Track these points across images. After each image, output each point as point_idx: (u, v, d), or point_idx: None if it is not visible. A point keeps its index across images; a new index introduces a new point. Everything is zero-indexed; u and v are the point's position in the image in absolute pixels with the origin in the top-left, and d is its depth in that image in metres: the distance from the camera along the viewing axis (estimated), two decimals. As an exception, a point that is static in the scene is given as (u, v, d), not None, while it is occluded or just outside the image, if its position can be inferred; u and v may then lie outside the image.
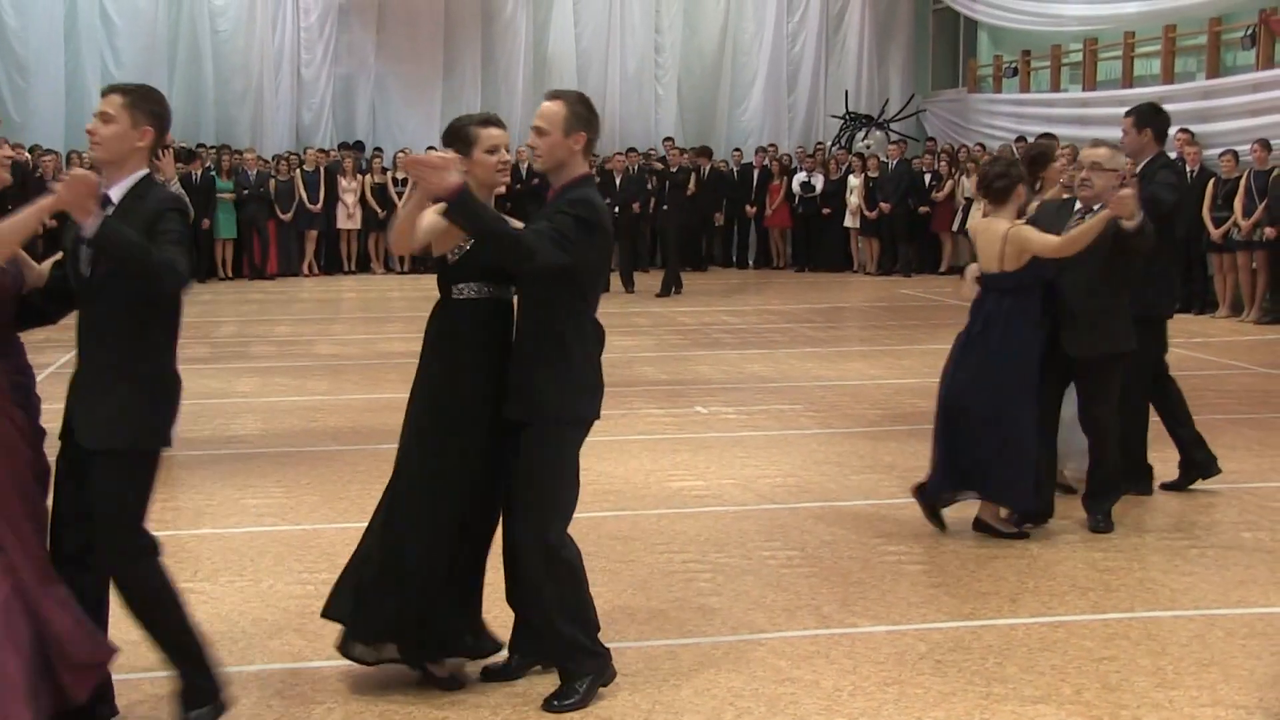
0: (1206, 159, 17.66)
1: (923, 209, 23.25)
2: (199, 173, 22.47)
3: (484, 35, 27.30)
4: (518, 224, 5.10)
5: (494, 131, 5.19)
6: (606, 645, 5.28)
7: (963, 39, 28.66)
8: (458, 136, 5.19)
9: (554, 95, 5.15)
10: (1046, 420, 7.47)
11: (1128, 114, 8.33)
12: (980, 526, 7.41)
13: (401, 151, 23.40)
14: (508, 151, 5.25)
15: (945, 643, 5.81)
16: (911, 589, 6.57)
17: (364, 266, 24.27)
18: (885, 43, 28.90)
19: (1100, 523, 7.50)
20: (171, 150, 9.57)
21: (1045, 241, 7.14)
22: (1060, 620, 6.11)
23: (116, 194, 4.66)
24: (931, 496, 7.48)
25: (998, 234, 7.22)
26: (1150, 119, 8.26)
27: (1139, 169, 8.07)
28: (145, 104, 4.78)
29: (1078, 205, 7.42)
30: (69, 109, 24.85)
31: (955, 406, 7.40)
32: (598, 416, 5.40)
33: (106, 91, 4.85)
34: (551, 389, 5.12)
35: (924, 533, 7.44)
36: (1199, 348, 14.70)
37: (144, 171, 4.77)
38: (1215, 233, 17.05)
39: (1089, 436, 7.57)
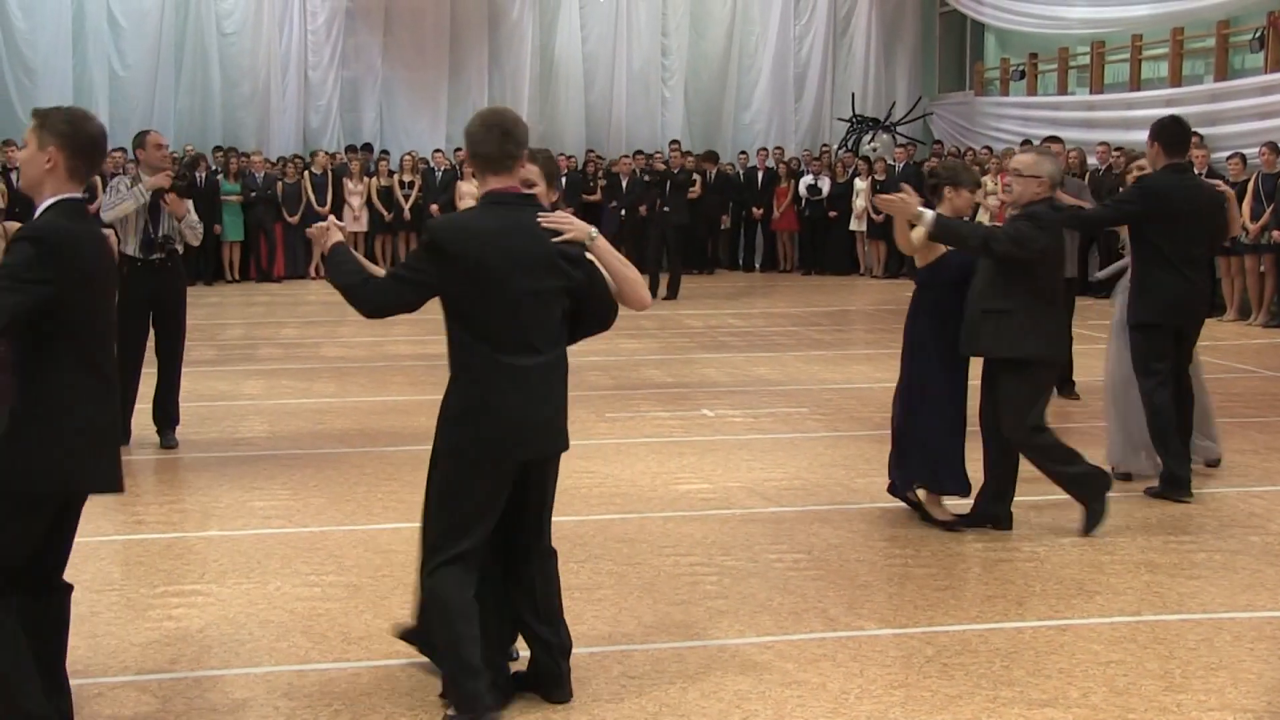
0: (1214, 162, 17.61)
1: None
2: (204, 175, 22.54)
3: (490, 38, 27.32)
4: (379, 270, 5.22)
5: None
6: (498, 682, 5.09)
7: (969, 42, 28.64)
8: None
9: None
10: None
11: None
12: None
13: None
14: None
15: (952, 646, 5.80)
16: (918, 592, 6.56)
17: (370, 269, 24.31)
18: (892, 45, 28.91)
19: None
20: (172, 187, 9.52)
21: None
22: (1067, 623, 6.10)
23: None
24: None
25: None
26: (1158, 133, 8.40)
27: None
28: (51, 125, 4.55)
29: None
30: (76, 112, 24.87)
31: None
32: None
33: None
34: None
35: (931, 536, 7.43)
36: (1206, 351, 14.57)
37: (62, 196, 4.54)
38: (1222, 237, 17.02)
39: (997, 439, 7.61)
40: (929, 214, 7.12)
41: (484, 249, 4.83)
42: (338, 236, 5.05)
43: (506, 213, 4.94)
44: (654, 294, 20.45)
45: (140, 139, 9.77)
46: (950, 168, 7.85)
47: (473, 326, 4.91)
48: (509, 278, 4.85)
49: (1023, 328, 7.25)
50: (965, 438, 7.62)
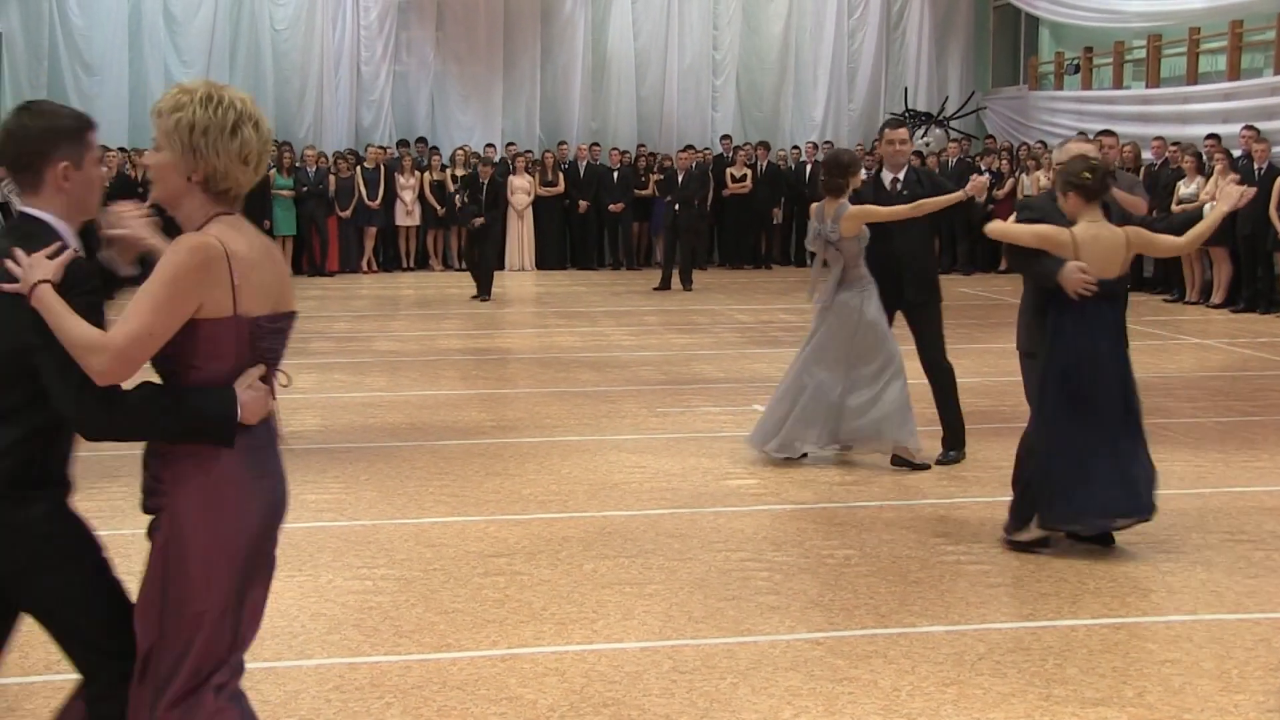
0: (1275, 156, 17.42)
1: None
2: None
3: (543, 33, 27.36)
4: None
5: None
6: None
7: (1024, 35, 28.45)
8: None
9: None
10: None
11: None
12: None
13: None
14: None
15: (1005, 643, 5.76)
16: (970, 589, 6.52)
17: (422, 263, 24.39)
18: (945, 39, 28.76)
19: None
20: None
21: (1170, 242, 7.33)
22: (1122, 622, 6.04)
23: None
24: None
25: (1119, 239, 7.02)
26: None
27: None
28: None
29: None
30: (133, 108, 25.13)
31: None
32: None
33: None
34: None
35: (983, 532, 7.38)
36: (1264, 347, 14.51)
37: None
38: (1284, 232, 16.84)
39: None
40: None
41: None
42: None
43: None
44: (668, 286, 20.72)
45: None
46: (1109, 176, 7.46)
47: None
48: None
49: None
50: None
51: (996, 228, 7.38)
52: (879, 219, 8.74)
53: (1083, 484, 6.85)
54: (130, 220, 3.86)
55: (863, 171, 9.32)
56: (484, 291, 19.76)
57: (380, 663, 5.58)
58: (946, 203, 8.79)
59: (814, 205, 9.08)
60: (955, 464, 9.03)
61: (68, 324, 3.40)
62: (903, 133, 9.27)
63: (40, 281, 3.43)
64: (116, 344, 3.39)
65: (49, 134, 3.63)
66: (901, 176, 9.19)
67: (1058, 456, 6.90)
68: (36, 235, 3.57)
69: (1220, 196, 6.84)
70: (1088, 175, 6.94)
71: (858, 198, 8.88)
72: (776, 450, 9.00)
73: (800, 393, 8.92)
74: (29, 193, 3.65)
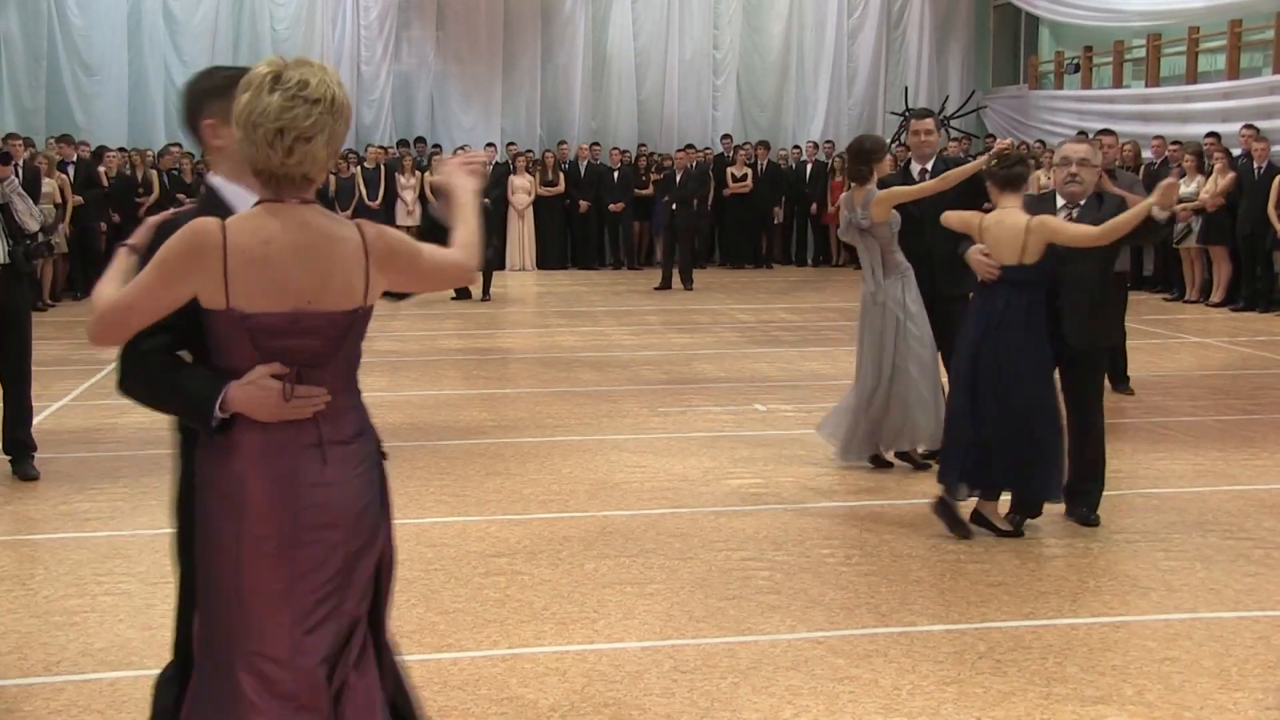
0: (1274, 155, 17.43)
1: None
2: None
3: (543, 32, 27.38)
4: None
5: None
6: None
7: (1024, 35, 28.46)
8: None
9: None
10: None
11: None
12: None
13: (460, 149, 23.48)
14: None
15: (1005, 642, 5.77)
16: (971, 588, 6.53)
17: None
18: (945, 39, 28.77)
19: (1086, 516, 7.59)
20: None
21: (1081, 231, 7.10)
22: (1122, 620, 6.05)
23: None
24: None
25: (1019, 226, 7.16)
26: None
27: None
28: None
29: (1060, 200, 7.39)
30: (132, 108, 25.15)
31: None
32: None
33: None
34: None
35: (983, 532, 7.38)
36: (1264, 346, 14.52)
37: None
38: (1283, 231, 16.83)
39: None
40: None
41: None
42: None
43: None
44: (669, 286, 20.78)
45: None
46: (1021, 168, 7.61)
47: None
48: None
49: (1117, 315, 7.35)
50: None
51: (945, 215, 7.73)
52: (908, 199, 8.63)
53: (958, 450, 7.31)
54: (451, 169, 3.81)
55: (888, 157, 9.26)
56: (484, 291, 19.80)
57: (381, 662, 5.57)
58: (970, 171, 8.67)
59: (842, 196, 9.06)
60: None
61: (103, 284, 3.47)
62: (929, 123, 9.22)
63: (121, 244, 3.55)
64: (98, 309, 3.38)
65: (199, 93, 3.73)
66: (929, 167, 9.18)
67: (949, 424, 7.50)
68: (205, 199, 3.72)
69: (1155, 192, 6.88)
70: (994, 164, 7.41)
71: (885, 187, 8.82)
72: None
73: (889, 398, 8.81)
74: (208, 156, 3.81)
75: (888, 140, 26.00)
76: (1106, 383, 11.45)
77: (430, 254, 3.53)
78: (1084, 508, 7.53)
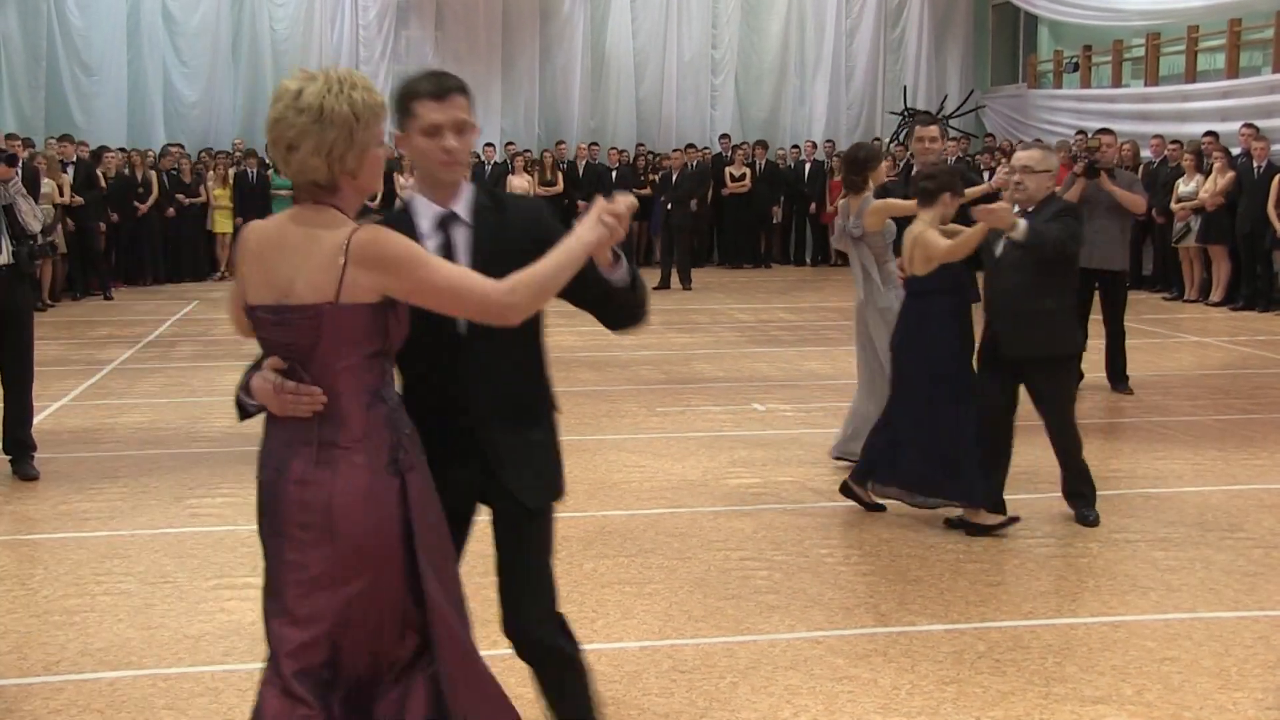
0: (1273, 155, 17.43)
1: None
2: (255, 170, 22.79)
3: (542, 32, 27.37)
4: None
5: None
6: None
7: (1022, 34, 28.46)
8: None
9: None
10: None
11: None
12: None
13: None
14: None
15: (1004, 642, 5.77)
16: (970, 587, 6.52)
17: (422, 263, 24.41)
18: (944, 38, 28.76)
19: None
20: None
21: (937, 247, 7.40)
22: (1121, 620, 6.05)
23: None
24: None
25: (909, 235, 7.55)
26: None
27: None
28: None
29: (1016, 208, 7.37)
30: (131, 109, 25.14)
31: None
32: None
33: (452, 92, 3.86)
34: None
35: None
36: (1263, 345, 14.52)
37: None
38: (1282, 230, 16.81)
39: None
40: (1023, 223, 7.04)
41: None
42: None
43: None
44: (668, 285, 20.80)
45: None
46: (947, 175, 7.74)
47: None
48: None
49: (1068, 324, 7.35)
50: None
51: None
52: (901, 212, 8.50)
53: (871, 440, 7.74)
54: (589, 218, 3.55)
55: (884, 164, 9.22)
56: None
57: (380, 662, 5.57)
58: (974, 194, 8.68)
59: (839, 203, 9.04)
60: None
61: None
62: (934, 130, 9.17)
63: None
64: None
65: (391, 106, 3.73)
66: None
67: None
68: (396, 207, 3.93)
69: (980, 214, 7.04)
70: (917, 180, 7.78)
71: (885, 194, 8.77)
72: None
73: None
74: None
75: (886, 140, 26.13)
76: (1106, 382, 11.56)
77: (448, 274, 3.45)
78: (1082, 510, 7.54)
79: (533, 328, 3.89)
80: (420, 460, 3.58)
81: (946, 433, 7.33)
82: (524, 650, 4.07)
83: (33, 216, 8.77)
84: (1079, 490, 7.58)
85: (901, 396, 7.57)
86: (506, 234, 3.75)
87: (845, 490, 7.84)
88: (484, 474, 3.91)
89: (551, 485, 4.00)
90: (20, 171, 8.89)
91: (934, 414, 7.37)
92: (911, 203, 8.70)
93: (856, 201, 8.72)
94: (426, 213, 3.76)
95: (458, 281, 3.45)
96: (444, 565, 3.71)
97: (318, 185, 3.48)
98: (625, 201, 3.52)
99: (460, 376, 3.77)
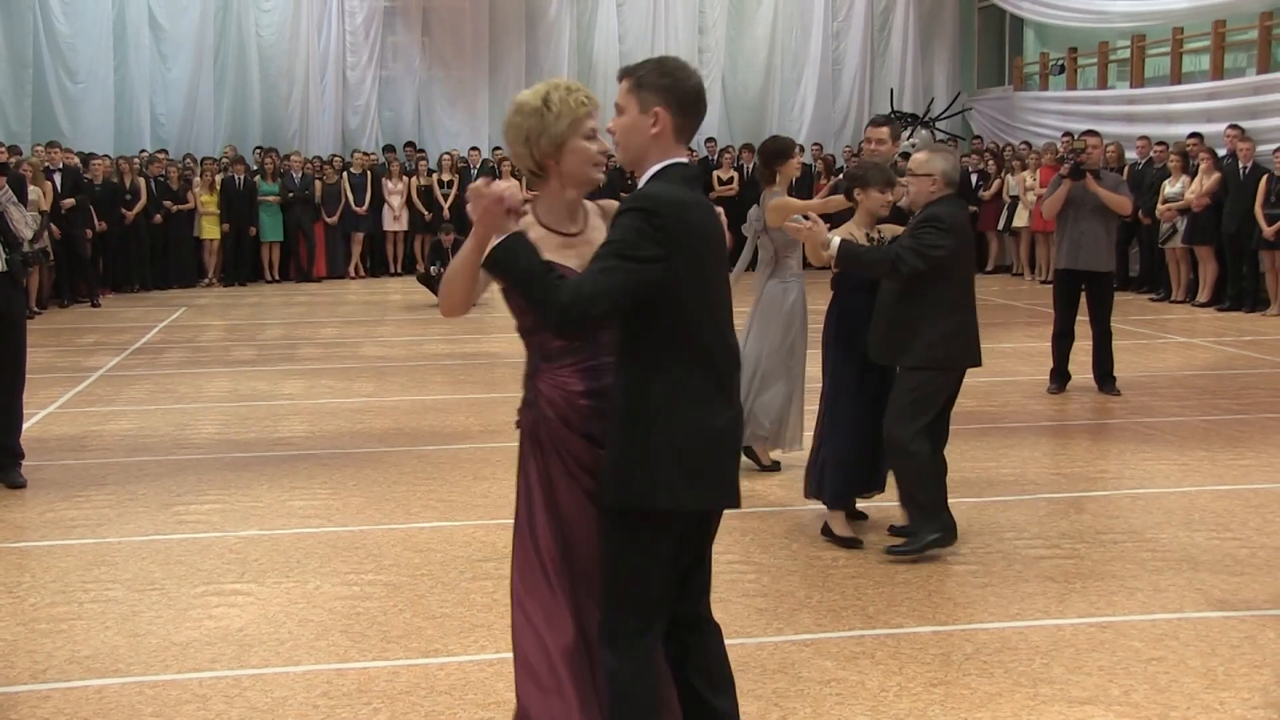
0: (1259, 155, 17.48)
1: (970, 208, 23.13)
2: (242, 177, 22.78)
3: (528, 37, 27.36)
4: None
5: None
6: None
7: (1009, 36, 28.52)
8: None
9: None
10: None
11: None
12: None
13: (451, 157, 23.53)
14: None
15: (992, 643, 5.77)
16: (958, 589, 6.53)
17: (410, 268, 24.34)
18: (930, 40, 28.80)
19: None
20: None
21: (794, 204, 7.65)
22: (1108, 621, 6.06)
23: None
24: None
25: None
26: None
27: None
28: (650, 83, 4.10)
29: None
30: (118, 115, 25.09)
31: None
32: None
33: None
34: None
35: (970, 533, 7.39)
36: (1249, 345, 14.55)
37: (670, 161, 3.99)
38: (1268, 230, 16.79)
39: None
40: (835, 242, 6.87)
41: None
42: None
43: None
44: None
45: None
46: (860, 169, 7.63)
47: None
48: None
49: (927, 337, 6.91)
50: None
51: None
52: (796, 212, 7.95)
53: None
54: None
55: (794, 160, 9.03)
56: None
57: (368, 668, 5.57)
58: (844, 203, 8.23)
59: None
60: None
61: None
62: (883, 131, 8.58)
63: None
64: None
65: None
66: None
67: None
68: None
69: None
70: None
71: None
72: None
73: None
74: None
75: (873, 143, 26.12)
76: (1093, 383, 11.58)
77: None
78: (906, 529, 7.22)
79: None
80: None
81: (871, 428, 7.19)
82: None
83: (24, 224, 8.77)
84: (876, 487, 7.55)
85: (833, 391, 7.39)
86: None
87: (826, 532, 7.43)
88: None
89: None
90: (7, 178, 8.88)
91: (864, 406, 7.25)
92: (808, 202, 8.73)
93: (768, 193, 8.66)
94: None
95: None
96: None
97: (533, 174, 4.19)
98: (489, 182, 3.81)
99: None
